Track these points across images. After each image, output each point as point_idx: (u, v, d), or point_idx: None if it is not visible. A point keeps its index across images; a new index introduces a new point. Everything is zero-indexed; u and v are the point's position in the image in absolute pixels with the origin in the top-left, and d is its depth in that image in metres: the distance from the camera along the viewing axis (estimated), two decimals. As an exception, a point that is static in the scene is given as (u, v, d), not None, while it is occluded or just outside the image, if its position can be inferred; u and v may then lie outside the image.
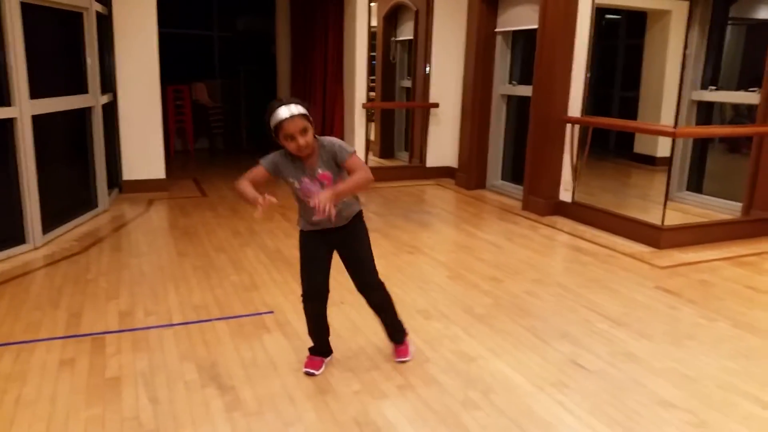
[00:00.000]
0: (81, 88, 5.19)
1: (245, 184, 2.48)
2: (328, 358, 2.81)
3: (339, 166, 2.46)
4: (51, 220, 4.60)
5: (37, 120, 4.35)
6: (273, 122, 2.37)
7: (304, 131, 2.35)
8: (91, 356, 2.85)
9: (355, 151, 2.49)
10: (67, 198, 5.09)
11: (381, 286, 2.74)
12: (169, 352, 2.90)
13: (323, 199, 2.28)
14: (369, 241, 2.69)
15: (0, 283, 3.74)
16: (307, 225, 2.63)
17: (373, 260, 2.70)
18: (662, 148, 5.73)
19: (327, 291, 2.68)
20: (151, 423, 2.35)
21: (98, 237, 4.77)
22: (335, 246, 2.65)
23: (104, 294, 3.62)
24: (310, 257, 2.65)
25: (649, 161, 6.06)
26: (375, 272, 2.71)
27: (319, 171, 2.46)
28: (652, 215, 4.76)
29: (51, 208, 4.57)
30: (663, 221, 4.65)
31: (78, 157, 5.34)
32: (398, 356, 2.86)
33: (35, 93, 4.30)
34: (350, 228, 2.63)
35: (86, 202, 5.35)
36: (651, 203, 5.05)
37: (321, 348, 2.80)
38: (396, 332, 2.86)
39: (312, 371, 2.71)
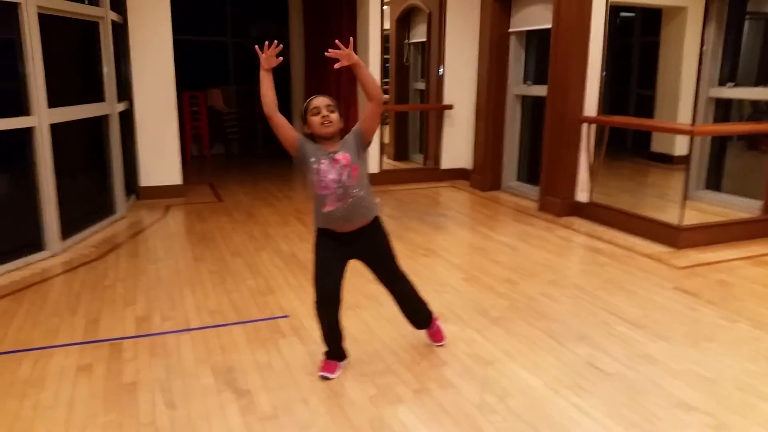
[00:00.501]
0: (98, 96, 5.25)
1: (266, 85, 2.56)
2: (344, 363, 2.81)
3: (362, 147, 2.58)
4: (69, 227, 4.65)
5: (55, 128, 4.41)
6: (305, 105, 2.57)
7: (330, 108, 2.52)
8: (108, 362, 2.88)
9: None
10: (85, 205, 5.15)
11: (404, 276, 2.83)
12: (185, 357, 2.92)
13: (348, 55, 2.43)
14: (390, 244, 2.77)
15: (19, 290, 3.79)
16: (322, 221, 2.61)
17: (396, 258, 2.79)
18: (680, 146, 5.67)
19: (339, 298, 2.67)
20: (167, 428, 2.36)
21: (116, 243, 4.82)
22: (354, 255, 2.66)
23: (121, 300, 3.66)
24: (325, 261, 2.65)
25: (667, 160, 6.00)
26: (397, 267, 2.81)
27: (340, 153, 2.53)
28: (670, 215, 4.71)
29: (69, 215, 4.63)
30: (681, 221, 4.59)
31: (95, 164, 5.40)
32: (435, 340, 2.98)
33: (53, 102, 4.36)
34: (368, 235, 2.65)
35: (104, 208, 5.41)
36: (669, 202, 4.99)
37: (336, 352, 2.80)
38: (423, 317, 2.95)
39: (328, 375, 2.71)
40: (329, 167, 2.51)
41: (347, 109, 7.30)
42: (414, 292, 2.88)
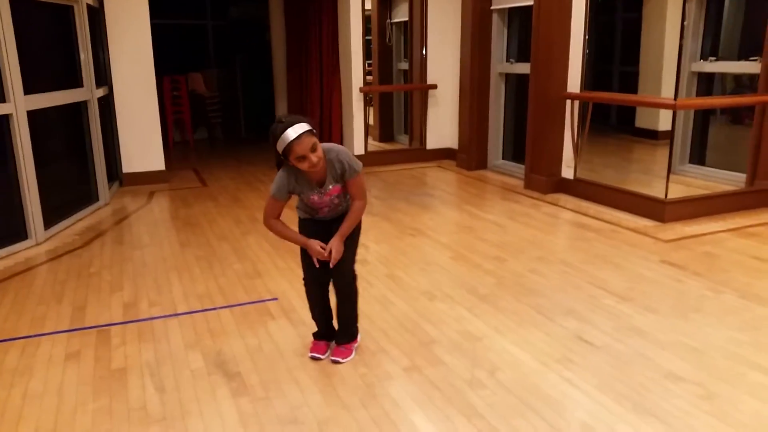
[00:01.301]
0: (75, 82, 5.16)
1: (280, 225, 2.58)
2: (333, 342, 2.81)
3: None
4: (52, 215, 4.59)
5: (33, 115, 4.33)
6: (281, 146, 2.33)
7: (313, 148, 2.34)
8: (96, 348, 2.85)
9: (361, 168, 2.54)
10: (68, 193, 5.08)
11: (353, 277, 2.69)
12: (174, 342, 2.90)
13: (336, 251, 2.53)
14: (358, 237, 2.70)
15: (3, 280, 3.74)
16: (304, 213, 2.68)
17: (355, 254, 2.70)
18: (664, 121, 5.68)
19: (327, 278, 2.67)
20: (158, 412, 2.35)
21: (100, 230, 4.76)
22: (331, 234, 2.63)
23: (108, 287, 3.62)
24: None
25: (651, 135, 6.01)
26: (352, 263, 2.67)
27: (330, 187, 2.52)
28: (656, 189, 4.74)
29: (52, 203, 4.57)
30: (666, 195, 4.62)
31: (76, 151, 5.32)
32: (334, 355, 2.70)
33: (29, 89, 4.27)
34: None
35: (87, 196, 5.34)
36: (654, 177, 5.01)
37: (325, 332, 2.79)
38: (347, 331, 2.76)
39: (318, 356, 2.71)
40: (321, 199, 2.55)
41: (330, 96, 7.24)
42: (355, 300, 2.73)
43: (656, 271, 3.68)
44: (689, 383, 2.47)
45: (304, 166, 2.36)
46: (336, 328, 2.80)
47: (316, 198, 2.54)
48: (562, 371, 2.58)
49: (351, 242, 2.64)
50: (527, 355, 2.72)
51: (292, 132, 2.30)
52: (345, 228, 2.57)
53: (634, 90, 6.01)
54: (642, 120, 6.13)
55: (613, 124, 6.58)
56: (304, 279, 2.71)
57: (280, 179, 2.49)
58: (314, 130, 2.38)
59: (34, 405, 2.41)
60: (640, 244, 4.16)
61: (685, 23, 4.99)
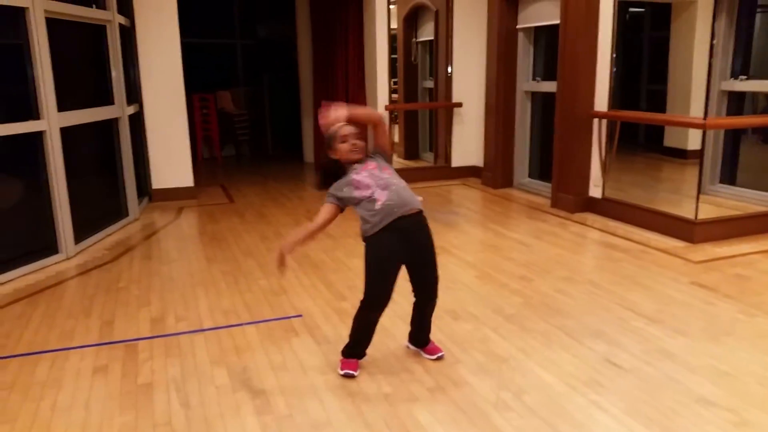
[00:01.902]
0: (107, 99, 5.27)
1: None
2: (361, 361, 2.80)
3: (384, 159, 2.74)
4: (83, 230, 4.68)
5: (66, 132, 4.43)
6: (329, 135, 2.66)
7: (356, 135, 2.63)
8: (123, 363, 2.88)
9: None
10: (98, 208, 5.17)
11: (437, 291, 2.83)
12: (200, 357, 2.92)
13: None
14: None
15: (34, 293, 3.81)
16: (378, 220, 2.57)
17: (437, 265, 2.79)
18: (693, 140, 5.60)
19: (389, 300, 2.70)
20: (183, 428, 2.36)
21: (129, 245, 4.83)
22: (407, 252, 2.63)
23: (136, 301, 3.67)
24: (381, 261, 2.62)
25: (681, 154, 5.93)
26: (438, 276, 2.82)
27: (366, 163, 2.67)
28: (685, 209, 4.66)
29: (82, 218, 4.65)
30: (696, 215, 4.54)
31: (107, 167, 5.43)
32: (435, 353, 2.87)
33: (63, 106, 4.38)
34: (423, 226, 2.73)
35: (117, 211, 5.43)
36: (683, 197, 4.93)
37: (362, 352, 2.80)
38: (427, 333, 2.91)
39: (352, 373, 2.70)
40: (360, 173, 2.61)
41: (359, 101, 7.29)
42: (431, 314, 2.87)
43: (686, 293, 3.61)
44: (721, 409, 2.41)
45: (345, 147, 2.61)
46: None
47: (357, 174, 2.60)
48: (590, 394, 2.53)
49: (433, 246, 2.74)
50: (554, 377, 2.68)
51: (346, 125, 2.65)
52: (356, 110, 2.69)
53: (662, 109, 5.95)
54: (671, 139, 6.05)
55: (642, 142, 6.51)
56: (366, 303, 2.67)
57: (335, 189, 2.63)
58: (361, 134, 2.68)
59: (62, 418, 2.44)
60: (669, 266, 4.09)
61: (714, 41, 4.94)
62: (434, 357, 2.85)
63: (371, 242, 2.61)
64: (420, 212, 2.68)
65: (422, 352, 2.90)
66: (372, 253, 2.61)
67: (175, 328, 3.28)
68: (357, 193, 2.58)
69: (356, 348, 2.78)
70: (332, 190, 2.65)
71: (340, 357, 2.79)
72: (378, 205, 2.55)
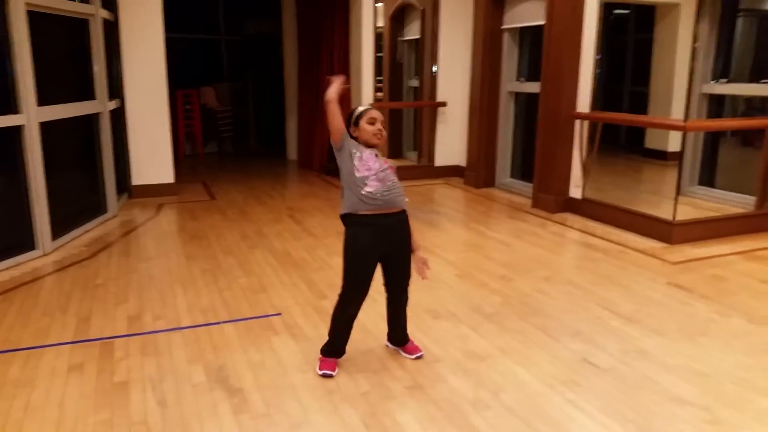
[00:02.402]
0: (88, 94, 5.21)
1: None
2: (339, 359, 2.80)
3: None
4: (60, 226, 4.62)
5: (46, 127, 4.37)
6: (359, 111, 2.66)
7: (383, 122, 2.64)
8: (99, 361, 2.85)
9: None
10: (77, 204, 5.11)
11: (408, 287, 2.85)
12: (177, 356, 2.89)
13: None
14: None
15: (10, 290, 3.75)
16: (359, 204, 2.58)
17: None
18: (673, 142, 5.66)
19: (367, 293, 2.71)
20: (159, 427, 2.34)
21: (107, 242, 4.78)
22: (385, 249, 2.65)
23: (113, 299, 3.63)
24: (360, 253, 2.63)
25: (661, 156, 5.99)
26: (410, 274, 2.83)
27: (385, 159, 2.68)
28: (664, 210, 4.71)
29: (60, 214, 4.59)
30: (674, 216, 4.59)
31: (87, 163, 5.36)
32: (414, 352, 2.87)
33: (43, 100, 4.32)
34: (403, 223, 2.74)
35: (95, 207, 5.37)
36: (662, 198, 4.98)
37: (341, 350, 2.79)
38: (404, 330, 2.90)
39: (330, 373, 2.69)
40: (371, 157, 2.60)
41: (340, 104, 7.27)
42: (406, 308, 2.88)
43: (663, 294, 3.64)
44: (695, 407, 2.44)
45: (371, 129, 2.60)
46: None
47: (367, 154, 2.58)
48: (567, 393, 2.55)
49: (410, 246, 2.76)
50: (532, 376, 2.69)
51: (375, 108, 2.68)
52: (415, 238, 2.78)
53: (644, 110, 6.01)
54: (652, 141, 6.12)
55: (623, 144, 6.57)
56: (344, 296, 2.69)
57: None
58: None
59: (35, 418, 2.41)
60: (647, 266, 4.13)
61: (696, 44, 4.99)
62: (413, 356, 2.85)
63: (350, 234, 2.62)
64: (403, 211, 2.69)
65: (401, 351, 2.90)
66: (351, 247, 2.62)
67: (152, 326, 3.25)
68: (357, 163, 2.57)
69: (335, 344, 2.77)
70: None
71: (318, 356, 2.78)
72: (365, 191, 2.56)
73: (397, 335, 2.91)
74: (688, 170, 5.67)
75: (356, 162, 2.57)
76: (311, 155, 7.79)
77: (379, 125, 2.62)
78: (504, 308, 3.44)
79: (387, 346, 2.97)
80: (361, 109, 2.67)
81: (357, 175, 2.56)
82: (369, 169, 2.57)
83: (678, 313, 3.37)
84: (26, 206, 4.29)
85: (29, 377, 2.71)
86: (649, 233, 4.73)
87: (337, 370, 2.72)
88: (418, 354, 2.86)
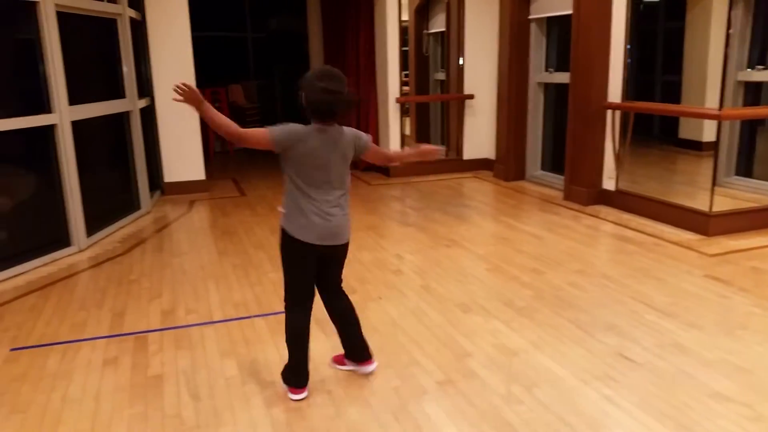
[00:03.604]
0: (118, 93, 5.28)
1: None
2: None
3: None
4: (95, 223, 4.70)
5: (78, 126, 4.44)
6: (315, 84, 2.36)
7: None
8: (134, 355, 2.89)
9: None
10: (110, 201, 5.19)
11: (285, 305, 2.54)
12: (210, 350, 2.92)
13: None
14: (282, 261, 2.49)
15: (46, 285, 3.83)
16: (304, 232, 2.35)
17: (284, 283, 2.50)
18: (708, 132, 5.52)
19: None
20: (192, 420, 2.36)
21: (141, 238, 4.85)
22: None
23: (147, 294, 3.68)
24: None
25: (696, 146, 5.85)
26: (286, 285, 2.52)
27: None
28: (700, 202, 4.60)
29: (94, 211, 4.67)
30: (711, 207, 4.48)
31: (119, 161, 5.45)
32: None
33: (74, 99, 4.39)
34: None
35: (129, 204, 5.45)
36: (698, 189, 4.87)
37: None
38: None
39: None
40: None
41: (366, 106, 7.26)
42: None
43: (700, 287, 3.56)
44: (735, 403, 2.37)
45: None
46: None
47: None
48: (602, 388, 2.50)
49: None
50: (566, 371, 2.65)
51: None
52: (207, 110, 2.31)
53: (677, 100, 5.87)
54: (685, 130, 5.97)
55: (656, 134, 6.43)
56: (290, 301, 2.49)
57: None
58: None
59: (72, 409, 2.45)
60: (683, 258, 4.04)
61: (730, 31, 4.85)
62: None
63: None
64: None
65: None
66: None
67: (185, 320, 3.28)
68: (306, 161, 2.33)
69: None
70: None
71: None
72: (310, 213, 2.34)
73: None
74: (724, 160, 5.52)
75: (306, 161, 2.40)
76: (339, 150, 7.78)
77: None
78: (536, 302, 3.39)
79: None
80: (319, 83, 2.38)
81: (304, 179, 2.40)
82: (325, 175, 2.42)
83: (716, 306, 3.29)
84: (61, 204, 4.37)
85: (66, 370, 2.76)
86: (685, 225, 4.63)
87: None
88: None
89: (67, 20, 4.34)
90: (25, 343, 3.05)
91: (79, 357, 2.88)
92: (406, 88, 7.45)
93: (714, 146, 4.74)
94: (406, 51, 7.64)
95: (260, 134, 2.36)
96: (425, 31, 8.13)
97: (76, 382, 2.65)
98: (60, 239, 4.40)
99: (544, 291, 3.55)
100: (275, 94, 9.89)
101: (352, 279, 3.79)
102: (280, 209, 2.42)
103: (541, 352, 2.83)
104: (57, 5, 4.20)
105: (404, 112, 7.19)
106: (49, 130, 4.24)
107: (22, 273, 4.02)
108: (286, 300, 2.51)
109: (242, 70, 9.94)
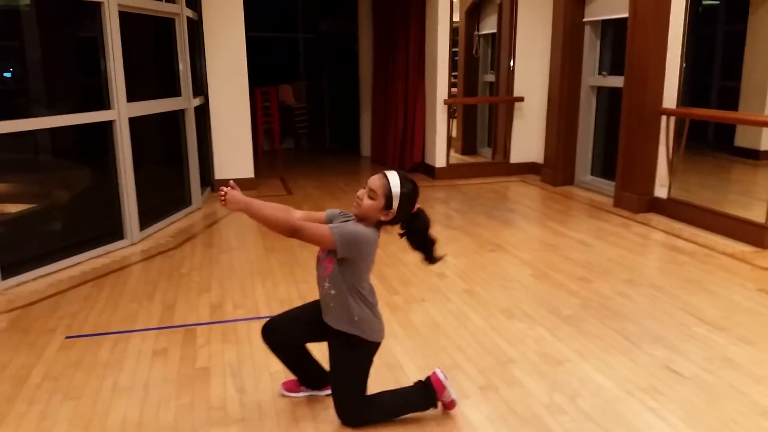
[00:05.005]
0: (174, 91, 5.43)
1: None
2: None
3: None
4: (147, 217, 4.84)
5: (134, 122, 4.59)
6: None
7: (370, 191, 2.17)
8: (182, 347, 2.97)
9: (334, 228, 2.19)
10: (163, 196, 5.35)
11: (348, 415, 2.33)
12: (256, 344, 2.98)
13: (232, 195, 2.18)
14: (347, 370, 2.30)
15: (100, 277, 3.97)
16: (379, 334, 2.31)
17: (346, 392, 2.30)
18: (767, 140, 5.35)
19: (284, 336, 2.44)
20: (237, 413, 2.42)
21: (192, 233, 4.98)
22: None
23: (196, 287, 3.78)
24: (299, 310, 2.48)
25: (752, 155, 5.67)
26: (340, 404, 2.32)
27: (326, 255, 2.24)
28: (755, 213, 4.45)
29: (148, 205, 4.82)
30: (767, 219, 4.33)
31: (172, 157, 5.60)
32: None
33: (132, 96, 4.54)
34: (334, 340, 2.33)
35: (181, 200, 5.60)
36: (754, 200, 4.71)
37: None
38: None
39: (291, 394, 2.53)
40: (318, 265, 2.32)
41: (414, 107, 7.27)
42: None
43: (753, 300, 3.44)
44: (789, 424, 2.30)
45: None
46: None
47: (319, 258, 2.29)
48: (648, 401, 2.45)
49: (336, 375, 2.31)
50: (611, 382, 2.61)
51: (377, 176, 2.21)
52: (254, 208, 2.19)
53: (734, 106, 5.70)
54: (742, 138, 5.80)
55: (711, 141, 6.26)
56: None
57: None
58: (390, 195, 2.19)
59: (122, 397, 2.54)
60: (736, 271, 3.92)
61: (795, 36, 4.69)
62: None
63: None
64: (337, 331, 2.28)
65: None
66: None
67: (232, 314, 3.36)
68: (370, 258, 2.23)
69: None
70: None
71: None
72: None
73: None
74: (783, 170, 5.33)
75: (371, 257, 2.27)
76: (385, 151, 7.83)
77: (359, 192, 2.19)
78: (582, 311, 3.34)
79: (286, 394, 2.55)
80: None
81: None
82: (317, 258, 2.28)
83: (770, 321, 3.18)
84: (116, 198, 4.53)
85: (117, 359, 2.86)
86: (739, 236, 4.48)
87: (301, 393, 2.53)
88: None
89: (127, 19, 4.49)
90: (79, 331, 3.17)
91: (130, 347, 2.99)
92: (454, 89, 7.43)
93: (773, 155, 4.58)
94: (456, 52, 7.62)
95: (322, 232, 2.14)
96: (476, 33, 8.10)
97: (126, 371, 2.75)
98: (114, 232, 4.55)
99: (591, 300, 3.49)
100: (323, 94, 9.99)
101: (395, 281, 3.81)
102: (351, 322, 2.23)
103: (585, 361, 2.79)
104: (120, 5, 4.34)
105: (451, 113, 7.17)
106: (107, 126, 4.39)
107: (77, 264, 4.18)
108: (353, 409, 2.31)
109: (292, 71, 10.07)
